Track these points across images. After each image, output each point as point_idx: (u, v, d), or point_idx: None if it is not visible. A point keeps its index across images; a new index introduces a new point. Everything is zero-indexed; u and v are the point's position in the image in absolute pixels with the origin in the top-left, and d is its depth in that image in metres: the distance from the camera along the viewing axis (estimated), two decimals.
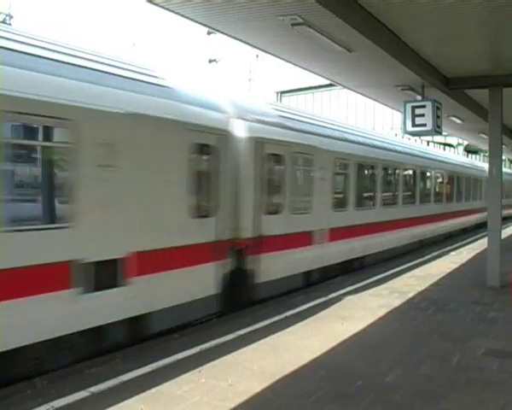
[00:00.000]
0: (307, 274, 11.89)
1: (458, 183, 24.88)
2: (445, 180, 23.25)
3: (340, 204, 13.56)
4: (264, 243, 10.01)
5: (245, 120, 9.76)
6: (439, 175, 22.55)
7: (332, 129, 13.68)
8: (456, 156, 33.54)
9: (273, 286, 10.29)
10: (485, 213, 28.50)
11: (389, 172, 17.37)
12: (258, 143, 9.93)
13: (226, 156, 9.11)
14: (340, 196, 13.88)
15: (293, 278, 11.14)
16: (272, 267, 10.20)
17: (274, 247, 10.29)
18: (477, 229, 26.49)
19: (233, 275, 9.29)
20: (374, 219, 15.21)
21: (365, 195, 15.63)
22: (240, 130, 9.55)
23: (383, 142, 17.25)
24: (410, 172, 19.40)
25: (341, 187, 14.08)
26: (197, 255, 8.40)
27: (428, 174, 21.28)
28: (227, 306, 9.19)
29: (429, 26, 8.47)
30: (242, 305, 9.60)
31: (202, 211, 8.64)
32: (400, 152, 18.11)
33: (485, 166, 33.65)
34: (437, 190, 22.20)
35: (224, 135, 9.06)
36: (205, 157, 8.85)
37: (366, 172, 15.83)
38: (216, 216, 8.86)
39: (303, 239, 11.53)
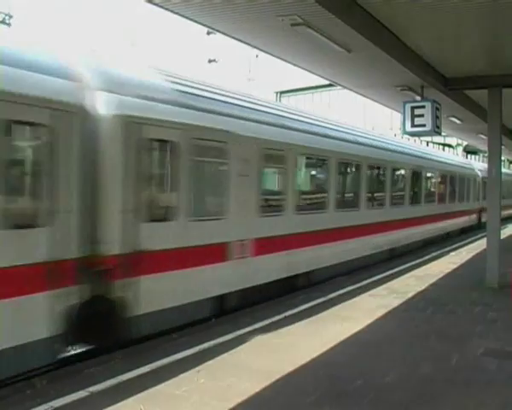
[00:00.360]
0: (220, 299, 9.15)
1: (440, 182, 22.37)
2: (424, 179, 20.58)
3: (272, 207, 10.83)
4: (146, 261, 7.40)
5: (113, 92, 7.24)
6: (416, 173, 19.57)
7: (260, 111, 10.57)
8: (440, 152, 30.82)
9: (161, 318, 7.77)
10: (474, 216, 27.16)
11: (348, 168, 14.50)
12: (131, 123, 7.27)
13: (73, 141, 6.60)
14: (274, 197, 11.24)
15: (194, 306, 8.43)
16: (159, 294, 7.70)
17: (162, 265, 7.73)
18: (463, 234, 24.70)
19: (89, 307, 6.77)
20: (326, 224, 12.36)
21: (313, 195, 13.06)
22: (103, 105, 7.05)
23: (340, 131, 13.98)
24: (378, 168, 16.32)
25: (275, 186, 11.55)
26: (9, 283, 5.86)
27: (403, 172, 18.38)
28: (85, 345, 7.18)
29: (428, 26, 8.49)
30: (111, 346, 7.19)
31: (22, 218, 6.22)
32: (364, 144, 14.95)
33: (475, 163, 32.05)
34: (413, 190, 19.27)
35: (68, 111, 6.52)
36: (29, 141, 6.57)
37: (314, 167, 13.18)
38: (51, 225, 6.32)
39: (211, 254, 8.77)
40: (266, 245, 10.13)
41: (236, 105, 9.86)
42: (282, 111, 11.81)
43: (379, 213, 15.71)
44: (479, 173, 28.02)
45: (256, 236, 9.87)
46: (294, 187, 11.38)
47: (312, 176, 13.30)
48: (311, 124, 12.58)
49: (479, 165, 31.80)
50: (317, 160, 12.88)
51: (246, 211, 9.60)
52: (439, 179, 22.35)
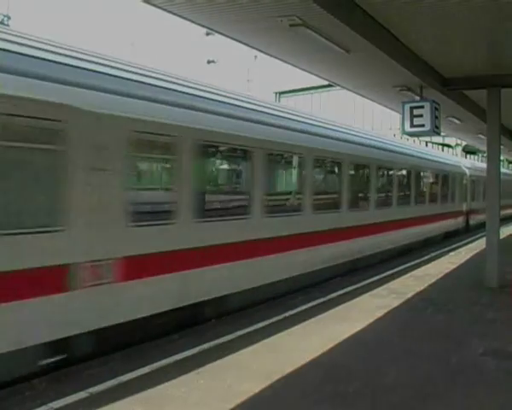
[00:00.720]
0: (60, 345, 6.34)
1: (418, 181, 19.35)
2: (397, 177, 17.35)
3: (155, 214, 8.04)
4: None
5: None
6: (385, 170, 16.65)
7: (134, 81, 7.67)
8: (418, 146, 26.00)
9: None
10: (460, 219, 24.29)
11: (282, 160, 11.59)
12: None
13: None
14: (159, 199, 8.62)
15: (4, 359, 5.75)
16: None
17: None
18: (447, 239, 21.97)
19: None
20: (247, 235, 9.49)
21: (226, 197, 10.10)
22: None
23: (274, 115, 10.90)
24: (331, 163, 13.35)
25: (161, 184, 8.90)
26: None
27: (367, 169, 15.13)
28: None
29: (427, 27, 8.50)
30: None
31: None
32: (306, 132, 11.77)
33: (462, 160, 29.61)
34: (382, 190, 16.31)
35: None
36: None
37: (230, 159, 10.20)
38: None
39: (36, 281, 6.03)
40: (144, 265, 7.38)
41: (87, 70, 6.99)
42: (176, 84, 8.62)
43: (332, 219, 12.63)
44: (466, 171, 25.63)
45: (124, 254, 7.08)
46: (193, 185, 8.36)
47: (226, 171, 10.20)
48: (227, 104, 9.50)
49: (467, 162, 29.76)
50: (233, 150, 9.82)
51: (104, 219, 6.84)
52: (417, 178, 19.22)
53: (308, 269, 11.58)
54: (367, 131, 17.10)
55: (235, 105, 9.77)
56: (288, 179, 12.31)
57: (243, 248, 9.38)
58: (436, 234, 21.11)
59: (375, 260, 15.15)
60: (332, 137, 12.96)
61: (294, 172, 12.05)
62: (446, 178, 22.59)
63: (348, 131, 14.51)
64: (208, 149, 9.03)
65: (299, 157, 11.55)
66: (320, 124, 12.97)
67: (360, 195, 14.89)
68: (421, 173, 19.88)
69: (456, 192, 23.64)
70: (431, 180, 20.98)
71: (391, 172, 17.00)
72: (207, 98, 9.08)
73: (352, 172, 14.38)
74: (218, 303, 8.96)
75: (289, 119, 11.53)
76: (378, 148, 15.87)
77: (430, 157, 21.79)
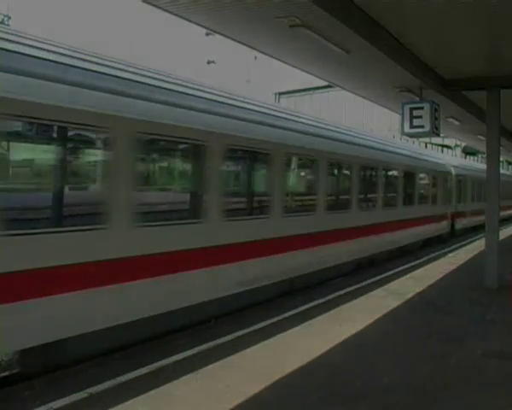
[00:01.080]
0: None
1: (389, 180, 16.68)
2: (357, 175, 14.00)
3: None
4: None
5: None
6: (341, 166, 13.54)
7: None
8: (390, 140, 20.74)
9: None
10: (444, 223, 21.86)
11: (179, 150, 8.55)
12: None
13: None
14: None
15: None
16: None
17: None
18: (427, 247, 19.60)
19: None
20: (103, 252, 6.59)
21: (74, 197, 6.79)
22: None
23: (170, 91, 7.91)
24: (259, 154, 9.98)
25: None
26: None
27: (313, 164, 11.99)
28: None
29: (427, 28, 8.52)
30: None
31: None
32: (220, 114, 8.74)
33: (448, 158, 27.75)
34: (336, 190, 13.42)
35: None
36: None
37: (85, 146, 7.05)
38: None
39: None
40: None
41: None
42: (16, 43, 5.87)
43: (254, 227, 9.57)
44: (452, 170, 23.26)
45: None
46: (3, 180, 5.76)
47: (80, 163, 7.09)
48: (104, 74, 6.84)
49: (454, 160, 27.80)
50: (114, 138, 6.72)
51: None
52: (386, 176, 16.49)
53: (211, 296, 8.48)
54: (311, 117, 13.45)
55: (113, 75, 6.97)
56: (187, 176, 8.95)
57: (97, 270, 6.49)
58: (411, 241, 18.39)
59: (318, 279, 12.08)
60: (255, 122, 9.83)
61: (197, 165, 8.48)
62: (426, 178, 20.25)
63: (278, 114, 11.10)
64: (59, 130, 6.20)
65: (204, 146, 8.24)
66: (228, 101, 9.43)
67: (304, 197, 12.17)
68: (393, 171, 17.00)
69: (438, 193, 21.12)
70: (406, 180, 17.93)
71: (349, 169, 13.83)
72: (64, 64, 6.29)
73: (290, 166, 11.38)
74: (52, 352, 6.27)
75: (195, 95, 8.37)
76: (331, 138, 12.82)
77: (405, 153, 18.65)
